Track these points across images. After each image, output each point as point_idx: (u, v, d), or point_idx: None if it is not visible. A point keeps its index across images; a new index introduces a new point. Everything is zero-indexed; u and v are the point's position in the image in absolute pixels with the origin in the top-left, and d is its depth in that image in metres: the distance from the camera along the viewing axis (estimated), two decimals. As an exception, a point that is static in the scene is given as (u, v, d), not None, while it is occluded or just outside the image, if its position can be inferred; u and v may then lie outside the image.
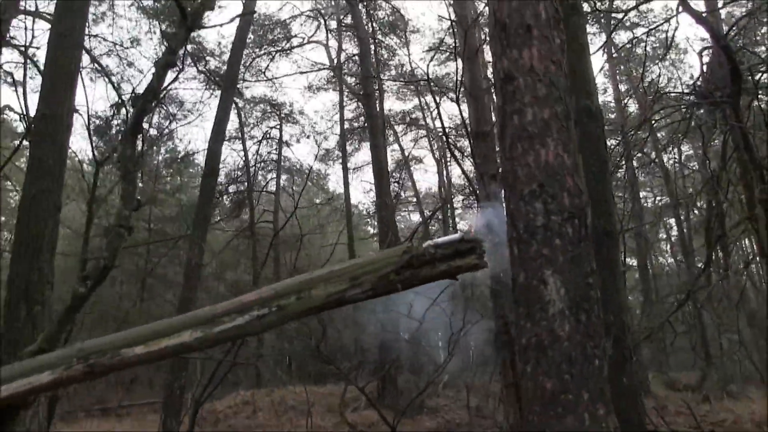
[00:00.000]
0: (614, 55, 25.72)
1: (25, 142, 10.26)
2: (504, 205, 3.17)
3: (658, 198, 29.09)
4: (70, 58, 8.06)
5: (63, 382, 4.32)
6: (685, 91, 13.91)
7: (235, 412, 16.02)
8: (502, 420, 12.71)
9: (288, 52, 25.60)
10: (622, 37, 26.08)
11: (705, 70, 12.29)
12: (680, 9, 11.02)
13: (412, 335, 7.23)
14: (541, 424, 2.26)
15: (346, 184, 25.44)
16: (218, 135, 9.34)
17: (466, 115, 14.03)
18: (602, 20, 24.40)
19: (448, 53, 28.59)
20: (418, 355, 10.56)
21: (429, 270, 3.86)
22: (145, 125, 16.29)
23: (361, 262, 3.89)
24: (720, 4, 14.45)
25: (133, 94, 5.27)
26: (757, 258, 11.32)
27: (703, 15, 11.78)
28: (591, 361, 2.31)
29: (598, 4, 13.64)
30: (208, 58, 21.92)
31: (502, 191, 3.16)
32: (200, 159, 26.69)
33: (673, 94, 14.36)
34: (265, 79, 25.89)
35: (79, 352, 4.15)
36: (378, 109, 18.38)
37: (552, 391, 2.26)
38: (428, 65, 15.95)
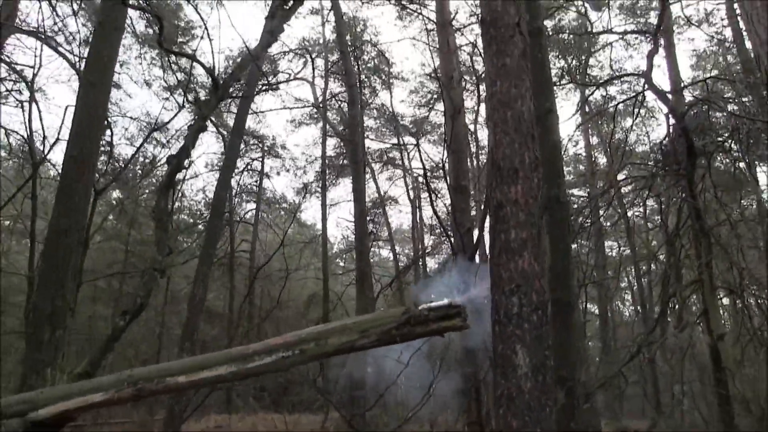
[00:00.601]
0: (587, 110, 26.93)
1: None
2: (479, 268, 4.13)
3: (623, 248, 30.14)
4: (100, 104, 8.94)
5: (114, 401, 5.16)
6: (649, 162, 15.12)
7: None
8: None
9: (275, 87, 26.47)
10: (596, 94, 27.52)
11: (666, 142, 13.53)
12: (646, 87, 12.25)
13: (395, 376, 8.12)
14: (509, 450, 3.25)
15: (324, 220, 26.29)
16: (225, 182, 10.16)
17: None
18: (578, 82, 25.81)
19: (428, 98, 29.89)
20: (389, 394, 11.38)
21: (423, 328, 4.83)
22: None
23: (369, 318, 4.83)
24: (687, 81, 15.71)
25: (170, 154, 6.14)
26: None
27: (667, 94, 13.04)
28: (544, 408, 3.33)
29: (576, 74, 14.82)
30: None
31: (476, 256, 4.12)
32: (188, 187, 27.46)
33: (637, 162, 15.50)
34: (251, 111, 26.72)
35: (129, 378, 5.01)
36: (361, 156, 19.32)
37: (516, 428, 3.27)
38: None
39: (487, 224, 9.78)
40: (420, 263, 23.88)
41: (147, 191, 24.25)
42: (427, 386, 9.00)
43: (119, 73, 17.68)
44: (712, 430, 14.31)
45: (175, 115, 14.85)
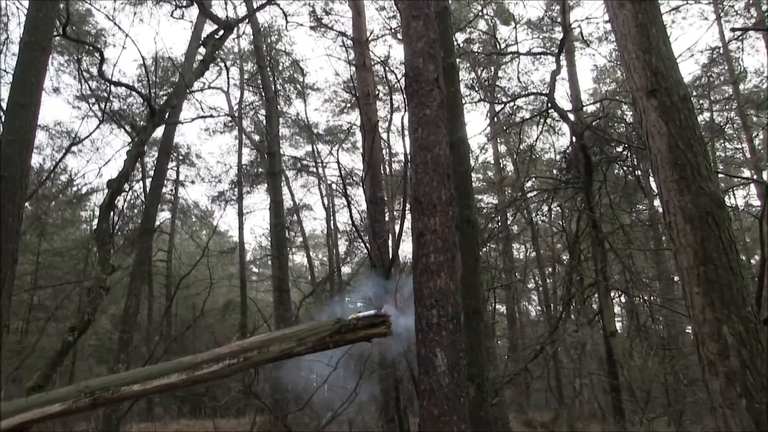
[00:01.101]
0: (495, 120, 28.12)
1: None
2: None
3: (530, 251, 31.53)
4: (29, 125, 9.16)
5: (71, 411, 5.61)
6: (553, 171, 16.33)
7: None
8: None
9: (189, 95, 26.52)
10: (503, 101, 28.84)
11: (568, 154, 14.74)
12: (549, 106, 13.39)
13: (324, 380, 8.79)
14: (432, 430, 4.00)
15: (241, 228, 26.66)
16: (154, 200, 10.48)
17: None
18: (487, 92, 27.09)
19: (342, 107, 30.57)
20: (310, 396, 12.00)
21: (352, 335, 5.54)
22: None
23: (305, 327, 5.50)
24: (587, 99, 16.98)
25: (110, 178, 6.57)
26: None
27: (568, 112, 14.21)
28: (459, 399, 4.10)
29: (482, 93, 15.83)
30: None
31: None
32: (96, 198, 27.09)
33: (541, 177, 16.68)
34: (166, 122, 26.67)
35: (85, 389, 5.48)
36: (279, 168, 19.79)
37: (437, 414, 4.03)
38: (338, 151, 17.49)
39: (404, 233, 10.62)
40: (336, 273, 24.45)
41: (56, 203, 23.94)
42: (350, 389, 9.71)
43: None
44: (605, 417, 15.58)
45: (96, 128, 14.94)
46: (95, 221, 28.24)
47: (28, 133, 9.14)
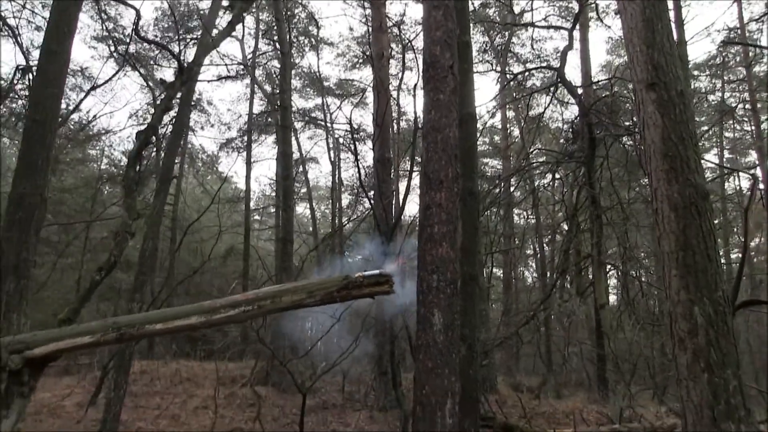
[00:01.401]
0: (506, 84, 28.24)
1: None
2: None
3: (530, 218, 31.88)
4: (59, 74, 9.55)
5: (99, 344, 6.11)
6: (560, 140, 16.65)
7: (134, 380, 17.40)
8: (372, 402, 15.14)
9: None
10: (515, 70, 28.95)
11: (574, 127, 15.05)
12: (558, 80, 13.68)
13: (327, 330, 9.32)
14: (425, 380, 4.51)
15: (248, 178, 27.02)
16: (173, 150, 10.82)
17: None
18: (500, 57, 27.22)
19: (354, 61, 30.65)
20: (312, 344, 12.55)
21: (358, 291, 6.01)
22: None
23: (315, 282, 5.96)
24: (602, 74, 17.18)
25: (139, 130, 6.97)
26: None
27: (577, 88, 14.48)
28: (451, 355, 4.60)
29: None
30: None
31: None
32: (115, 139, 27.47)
33: (546, 149, 17.02)
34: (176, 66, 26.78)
35: (113, 324, 5.98)
36: (290, 121, 20.09)
37: (431, 367, 4.53)
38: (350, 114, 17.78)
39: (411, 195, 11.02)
40: (339, 230, 24.87)
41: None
42: (342, 345, 10.29)
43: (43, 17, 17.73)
44: (591, 386, 16.20)
45: (115, 73, 15.26)
46: (104, 160, 28.71)
47: (60, 79, 9.53)
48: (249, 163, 27.52)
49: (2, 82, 18.16)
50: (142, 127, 23.29)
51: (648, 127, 5.24)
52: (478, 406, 6.76)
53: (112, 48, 20.24)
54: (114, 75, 15.08)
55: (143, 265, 10.21)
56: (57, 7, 9.61)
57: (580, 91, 14.50)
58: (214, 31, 11.34)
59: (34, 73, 9.51)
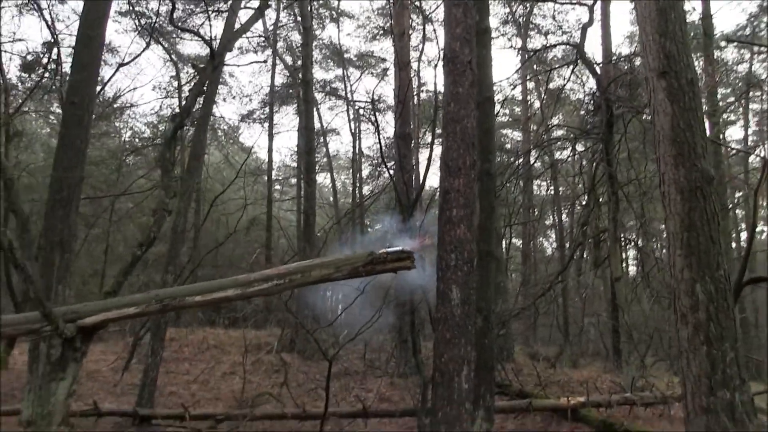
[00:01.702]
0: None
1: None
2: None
3: (550, 189, 32.00)
4: (94, 57, 9.97)
5: (143, 314, 6.63)
6: (579, 115, 16.83)
7: (164, 347, 18.09)
8: (392, 369, 15.69)
9: (224, 12, 26.72)
10: (535, 42, 28.92)
11: (596, 98, 15.22)
12: (578, 57, 13.86)
13: (351, 302, 9.80)
14: (444, 350, 4.94)
15: (270, 150, 27.53)
16: (203, 125, 11.18)
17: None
18: (521, 30, 27.23)
19: (374, 33, 30.73)
20: (337, 315, 13.01)
21: (382, 266, 6.44)
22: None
23: (342, 258, 6.40)
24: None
25: (174, 112, 7.40)
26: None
27: (596, 65, 14.64)
28: (467, 327, 5.05)
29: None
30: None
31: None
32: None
33: (564, 125, 17.22)
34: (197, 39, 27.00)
35: (156, 296, 6.47)
36: (312, 95, 20.40)
37: (449, 338, 4.96)
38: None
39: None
40: (360, 206, 25.21)
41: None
42: (363, 316, 10.77)
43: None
44: (609, 356, 16.57)
45: (141, 52, 15.63)
46: (129, 132, 29.14)
47: (95, 63, 9.98)
48: (271, 135, 27.92)
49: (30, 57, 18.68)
50: (166, 100, 23.83)
51: (658, 114, 5.50)
52: (493, 373, 7.20)
53: (137, 22, 20.58)
54: (141, 52, 15.45)
55: (175, 239, 10.70)
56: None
57: (599, 68, 14.64)
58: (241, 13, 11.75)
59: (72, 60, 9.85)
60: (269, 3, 8.44)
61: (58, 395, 6.59)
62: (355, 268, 6.48)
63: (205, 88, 8.17)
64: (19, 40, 21.14)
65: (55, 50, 15.96)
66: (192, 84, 28.94)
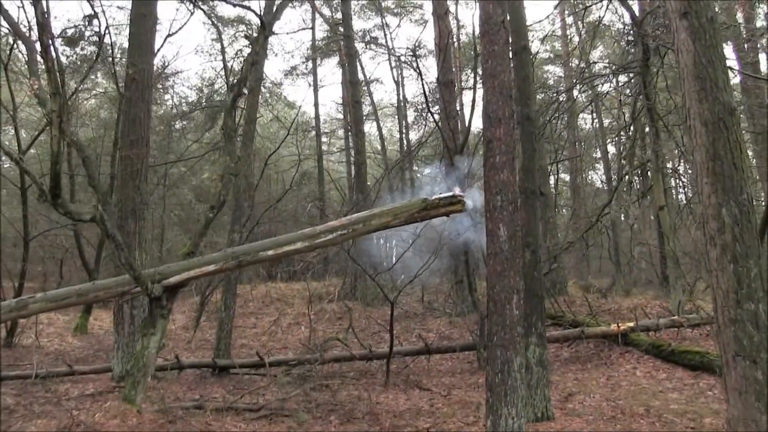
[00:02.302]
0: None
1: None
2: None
3: (595, 121, 31.81)
4: (150, 34, 10.65)
5: (221, 270, 7.44)
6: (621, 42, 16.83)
7: (235, 302, 19.11)
8: (450, 309, 16.40)
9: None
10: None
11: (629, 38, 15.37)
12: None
13: (409, 245, 10.48)
14: (495, 281, 5.59)
15: (317, 105, 28.07)
16: (255, 90, 11.72)
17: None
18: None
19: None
20: (397, 259, 13.65)
21: (435, 212, 7.08)
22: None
23: (399, 206, 7.06)
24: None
25: (232, 83, 8.03)
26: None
27: (630, 1, 14.68)
28: (515, 260, 5.63)
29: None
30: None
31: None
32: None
33: (600, 62, 17.33)
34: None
35: (232, 254, 7.23)
36: (354, 50, 20.78)
37: (500, 270, 5.58)
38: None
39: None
40: (408, 155, 25.64)
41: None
42: (423, 258, 11.43)
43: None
44: (661, 283, 16.97)
45: (186, 21, 16.31)
46: (175, 98, 29.90)
47: (151, 39, 10.68)
48: (316, 89, 28.44)
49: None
50: (209, 64, 24.48)
51: (681, 53, 5.85)
52: (543, 302, 7.78)
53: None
54: (187, 21, 16.17)
55: (238, 200, 11.47)
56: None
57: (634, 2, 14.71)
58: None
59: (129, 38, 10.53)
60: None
61: (150, 349, 7.47)
62: (411, 214, 7.13)
63: (258, 57, 8.77)
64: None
65: (96, 22, 16.72)
66: (237, 49, 29.71)
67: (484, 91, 5.97)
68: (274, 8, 10.20)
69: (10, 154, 6.44)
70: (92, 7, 16.50)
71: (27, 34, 9.35)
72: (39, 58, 7.49)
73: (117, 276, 8.60)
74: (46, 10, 5.67)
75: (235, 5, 11.26)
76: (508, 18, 6.36)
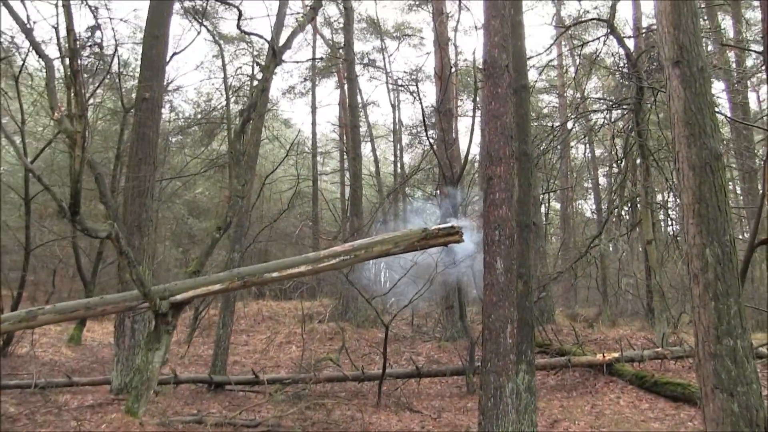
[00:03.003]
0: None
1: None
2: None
3: (587, 152, 32.26)
4: (162, 55, 10.99)
5: (227, 290, 7.70)
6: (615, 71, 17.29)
7: (233, 320, 19.30)
8: (440, 333, 16.70)
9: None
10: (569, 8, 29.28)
11: (622, 78, 15.85)
12: (609, 32, 14.46)
13: (405, 272, 10.78)
14: (491, 311, 5.90)
15: (314, 125, 28.53)
16: (261, 113, 12.05)
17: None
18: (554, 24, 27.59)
19: (411, 4, 31.18)
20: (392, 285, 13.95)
21: (434, 241, 7.39)
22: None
23: (399, 234, 7.37)
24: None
25: (241, 108, 8.37)
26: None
27: (626, 39, 15.18)
28: (510, 291, 5.98)
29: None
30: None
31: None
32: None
33: (596, 97, 17.82)
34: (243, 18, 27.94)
35: (238, 274, 7.52)
36: (355, 74, 21.17)
37: (495, 301, 5.91)
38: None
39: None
40: (403, 183, 25.95)
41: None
42: (416, 283, 11.75)
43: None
44: (646, 316, 17.32)
45: (193, 40, 16.67)
46: (172, 113, 30.12)
47: (162, 60, 11.00)
48: (314, 110, 28.80)
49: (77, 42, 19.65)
50: (209, 80, 24.85)
51: (673, 99, 6.21)
52: (533, 331, 8.10)
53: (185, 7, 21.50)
54: (193, 40, 16.53)
55: (240, 220, 11.77)
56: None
57: (630, 40, 15.20)
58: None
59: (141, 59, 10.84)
60: (321, 3, 9.30)
61: (154, 363, 7.72)
62: (412, 243, 7.45)
63: (268, 84, 9.11)
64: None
65: (98, 33, 16.97)
66: (236, 67, 30.02)
67: (487, 131, 6.34)
68: (283, 36, 10.58)
69: (32, 171, 6.71)
70: (95, 18, 16.68)
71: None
72: (59, 74, 7.78)
73: (120, 289, 8.88)
74: (77, 38, 5.98)
75: (249, 34, 11.59)
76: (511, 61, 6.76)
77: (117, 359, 10.52)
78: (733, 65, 18.34)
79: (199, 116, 27.02)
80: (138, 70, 19.78)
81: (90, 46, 18.15)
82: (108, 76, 17.92)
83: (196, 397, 11.18)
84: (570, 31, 27.88)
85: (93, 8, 16.61)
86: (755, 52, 15.59)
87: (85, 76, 20.36)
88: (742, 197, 19.45)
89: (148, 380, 7.63)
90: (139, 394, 7.45)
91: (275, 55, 8.51)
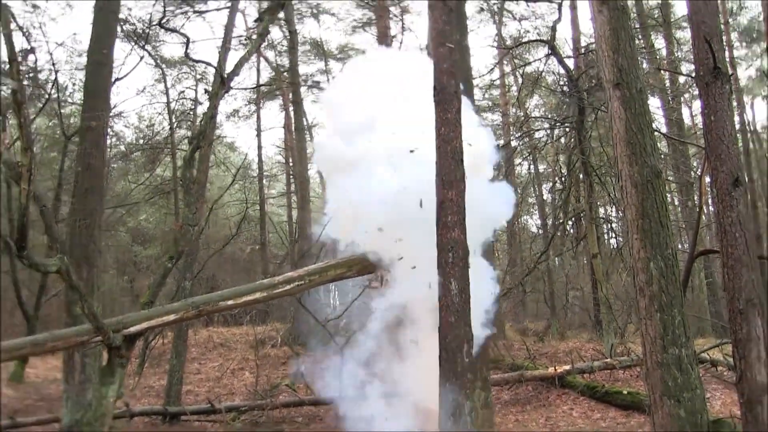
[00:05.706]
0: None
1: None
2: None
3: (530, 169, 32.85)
4: (107, 82, 10.83)
5: (181, 320, 7.63)
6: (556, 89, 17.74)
7: (168, 349, 18.95)
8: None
9: (204, 13, 27.15)
10: (510, 28, 29.86)
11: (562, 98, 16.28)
12: (550, 52, 14.87)
13: (357, 296, 10.81)
14: (448, 332, 6.02)
15: (260, 148, 28.29)
16: (209, 140, 12.06)
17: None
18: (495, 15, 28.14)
19: (354, 25, 31.34)
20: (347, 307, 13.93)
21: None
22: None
23: (353, 258, 7.45)
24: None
25: (190, 135, 8.35)
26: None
27: (566, 59, 15.63)
28: (465, 311, 6.11)
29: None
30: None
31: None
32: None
33: (539, 117, 18.30)
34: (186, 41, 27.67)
35: (192, 303, 7.46)
36: (301, 98, 21.22)
37: (451, 321, 6.02)
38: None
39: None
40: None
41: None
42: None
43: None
44: (594, 326, 17.72)
45: (136, 65, 16.57)
46: (113, 139, 29.55)
47: (107, 87, 10.81)
48: (259, 134, 28.64)
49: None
50: (151, 104, 24.46)
51: (614, 120, 6.45)
52: (487, 349, 8.28)
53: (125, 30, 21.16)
54: (136, 65, 16.35)
55: (190, 248, 11.64)
56: (99, 21, 10.76)
57: (571, 63, 15.66)
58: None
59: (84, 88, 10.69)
60: (269, 30, 9.35)
61: (108, 398, 7.57)
62: (365, 266, 7.55)
63: (216, 111, 9.12)
64: None
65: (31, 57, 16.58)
66: (179, 91, 29.67)
67: (438, 155, 6.49)
68: (230, 59, 10.61)
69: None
70: (29, 41, 16.33)
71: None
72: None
73: (68, 323, 8.70)
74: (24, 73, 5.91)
75: (197, 62, 11.55)
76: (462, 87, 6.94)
77: (66, 396, 10.20)
78: (668, 83, 19.09)
79: (141, 142, 26.56)
80: (77, 95, 19.64)
81: (26, 72, 17.79)
82: (47, 103, 17.60)
83: (151, 429, 10.97)
84: (512, 51, 28.54)
85: (25, 31, 16.24)
86: (685, 75, 16.26)
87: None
88: (680, 209, 20.14)
89: (103, 416, 7.48)
90: (93, 431, 7.30)
91: (223, 83, 8.49)
